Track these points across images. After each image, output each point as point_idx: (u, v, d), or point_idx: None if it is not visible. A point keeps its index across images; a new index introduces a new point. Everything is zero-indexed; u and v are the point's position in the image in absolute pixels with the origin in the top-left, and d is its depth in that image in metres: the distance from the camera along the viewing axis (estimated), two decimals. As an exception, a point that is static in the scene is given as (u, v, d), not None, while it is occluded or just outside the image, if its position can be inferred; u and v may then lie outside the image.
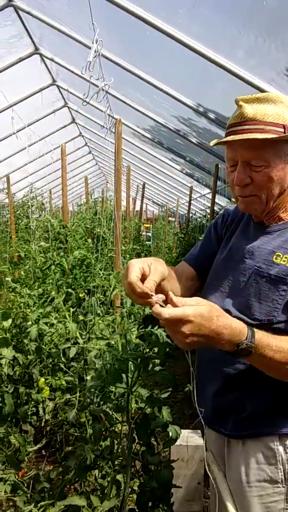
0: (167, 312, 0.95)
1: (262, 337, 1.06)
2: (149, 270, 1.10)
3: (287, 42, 2.85)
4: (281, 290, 1.17)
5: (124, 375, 1.51)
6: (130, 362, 1.50)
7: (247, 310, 1.21)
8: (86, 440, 1.67)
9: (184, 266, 1.51)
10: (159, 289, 1.15)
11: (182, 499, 2.52)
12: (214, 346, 1.03)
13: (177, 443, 1.79)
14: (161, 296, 1.03)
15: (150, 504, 1.57)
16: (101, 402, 1.99)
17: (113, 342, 2.06)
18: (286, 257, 1.19)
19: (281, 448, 1.19)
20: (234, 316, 1.20)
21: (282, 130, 1.13)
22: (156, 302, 1.01)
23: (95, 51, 2.26)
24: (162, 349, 1.43)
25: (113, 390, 1.81)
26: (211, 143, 1.26)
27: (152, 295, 1.02)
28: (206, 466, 1.31)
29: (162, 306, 1.00)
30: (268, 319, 1.17)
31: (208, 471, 1.32)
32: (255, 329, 1.06)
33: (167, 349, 1.47)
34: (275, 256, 1.21)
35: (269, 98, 1.16)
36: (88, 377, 2.42)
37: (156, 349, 1.57)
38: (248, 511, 1.22)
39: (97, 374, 1.58)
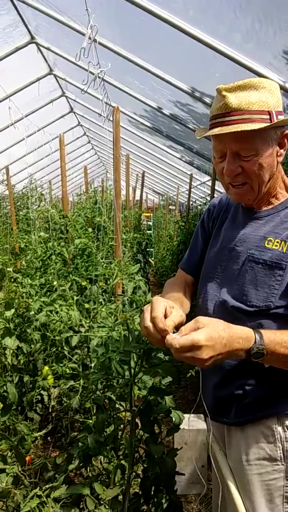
0: (177, 342, 0.98)
1: (270, 336, 1.07)
2: (170, 311, 1.13)
3: (284, 25, 2.82)
4: (277, 275, 1.18)
5: (126, 366, 1.53)
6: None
7: (243, 297, 1.22)
8: (89, 429, 1.69)
9: (182, 274, 1.55)
10: None
11: (186, 482, 2.57)
12: (231, 358, 1.06)
13: (180, 427, 1.81)
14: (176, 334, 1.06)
15: (153, 488, 1.60)
16: (106, 389, 2.01)
17: (114, 333, 2.08)
18: (277, 242, 1.20)
19: (279, 428, 1.22)
20: (231, 305, 1.22)
21: (268, 117, 1.14)
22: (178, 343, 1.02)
23: (89, 38, 2.24)
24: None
25: (116, 379, 1.84)
26: (197, 136, 1.26)
27: (169, 332, 1.04)
28: (208, 446, 1.34)
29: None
30: (266, 305, 1.18)
31: (209, 451, 1.35)
32: (261, 330, 1.08)
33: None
34: (266, 242, 1.22)
35: (251, 84, 1.15)
36: (92, 364, 2.45)
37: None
38: (248, 489, 1.24)
39: (100, 364, 1.59)
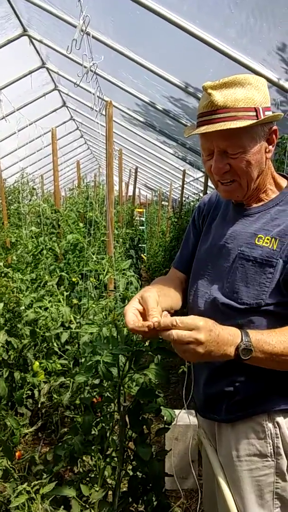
0: (178, 320, 1.00)
1: (256, 335, 1.07)
2: (145, 305, 1.14)
3: (279, 21, 2.81)
4: (267, 273, 1.17)
5: (114, 368, 1.51)
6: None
7: (234, 294, 1.21)
8: (76, 430, 1.67)
9: (175, 272, 1.54)
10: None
11: (176, 476, 2.58)
12: (221, 356, 1.05)
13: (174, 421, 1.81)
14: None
15: (141, 488, 1.60)
16: (94, 389, 2.00)
17: (104, 329, 2.06)
18: (268, 239, 1.19)
19: (270, 424, 1.22)
20: (222, 303, 1.22)
21: (254, 113, 1.13)
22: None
23: (81, 30, 2.21)
24: (154, 342, 1.43)
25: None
26: (185, 135, 1.25)
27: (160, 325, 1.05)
28: (198, 442, 1.34)
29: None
30: (257, 302, 1.18)
31: (199, 447, 1.35)
32: (247, 330, 1.08)
33: (160, 340, 1.46)
34: (257, 239, 1.21)
35: (237, 81, 1.14)
36: (83, 360, 2.44)
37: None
38: (238, 485, 1.24)
39: (86, 366, 1.57)
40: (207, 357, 1.03)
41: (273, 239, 1.19)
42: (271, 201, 1.27)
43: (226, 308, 1.22)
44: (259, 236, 1.21)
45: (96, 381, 1.90)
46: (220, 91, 1.14)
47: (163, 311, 1.15)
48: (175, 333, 1.00)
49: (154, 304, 1.13)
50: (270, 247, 1.18)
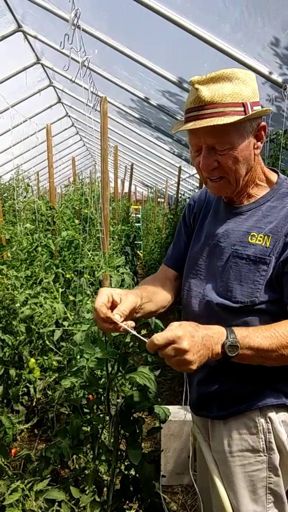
0: (159, 336, 0.99)
1: (242, 331, 1.07)
2: (120, 300, 1.17)
3: (272, 15, 2.80)
4: (261, 271, 1.17)
5: (103, 371, 1.50)
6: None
7: (228, 293, 1.21)
8: (64, 433, 1.66)
9: (166, 269, 1.54)
10: (143, 312, 1.30)
11: (171, 472, 2.58)
12: (213, 356, 1.05)
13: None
14: (130, 323, 1.14)
15: (134, 487, 1.59)
16: (84, 390, 1.98)
17: (96, 328, 2.04)
18: (261, 236, 1.19)
19: (262, 419, 1.22)
20: (216, 302, 1.22)
21: (242, 109, 1.11)
22: (125, 328, 1.12)
23: (73, 24, 2.19)
24: (142, 345, 1.42)
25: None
26: (172, 130, 1.23)
27: (117, 321, 1.12)
28: (192, 437, 1.34)
29: (137, 334, 1.11)
30: (251, 300, 1.18)
31: (194, 443, 1.35)
32: (232, 328, 1.08)
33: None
34: (250, 237, 1.21)
35: (225, 75, 1.12)
36: (77, 357, 2.43)
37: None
38: (231, 480, 1.25)
39: (72, 370, 1.56)
40: (202, 359, 1.03)
41: (265, 237, 1.18)
42: (262, 197, 1.26)
43: (220, 308, 1.22)
44: (252, 234, 1.21)
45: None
46: (208, 86, 1.12)
47: (138, 315, 1.25)
48: (159, 353, 1.01)
49: (122, 306, 1.16)
50: (263, 244, 1.18)
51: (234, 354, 1.05)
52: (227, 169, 1.18)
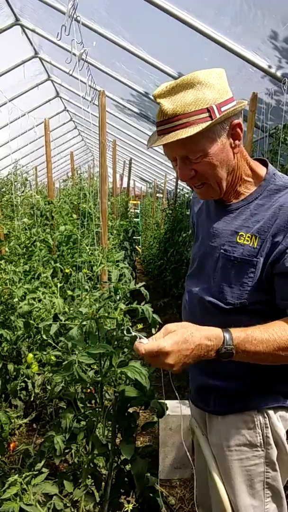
0: (143, 347, 1.00)
1: (240, 335, 1.06)
2: None
3: (272, 8, 2.78)
4: (249, 272, 1.16)
5: (93, 367, 1.50)
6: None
7: (220, 294, 1.21)
8: (57, 428, 1.65)
9: None
10: None
11: (170, 467, 2.59)
12: (203, 359, 1.06)
13: (166, 412, 1.80)
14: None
15: (130, 481, 1.59)
16: (77, 384, 1.97)
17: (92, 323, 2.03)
18: (248, 236, 1.17)
19: (259, 414, 1.22)
20: (209, 303, 1.21)
21: (207, 114, 1.08)
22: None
23: (70, 16, 2.17)
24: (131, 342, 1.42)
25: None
26: (147, 146, 1.22)
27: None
28: (191, 431, 1.34)
29: (137, 334, 1.08)
30: (241, 302, 1.17)
31: (192, 437, 1.35)
32: (231, 330, 1.07)
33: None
34: (238, 237, 1.19)
35: (185, 82, 1.08)
36: (77, 351, 2.43)
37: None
38: (229, 475, 1.25)
39: (64, 365, 1.55)
40: (191, 362, 1.05)
41: (253, 237, 1.16)
42: (250, 195, 1.23)
43: (213, 307, 1.22)
44: (240, 233, 1.19)
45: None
46: (170, 98, 1.09)
47: None
48: (153, 365, 1.04)
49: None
50: (250, 245, 1.16)
51: (227, 359, 1.07)
52: (206, 176, 1.16)
